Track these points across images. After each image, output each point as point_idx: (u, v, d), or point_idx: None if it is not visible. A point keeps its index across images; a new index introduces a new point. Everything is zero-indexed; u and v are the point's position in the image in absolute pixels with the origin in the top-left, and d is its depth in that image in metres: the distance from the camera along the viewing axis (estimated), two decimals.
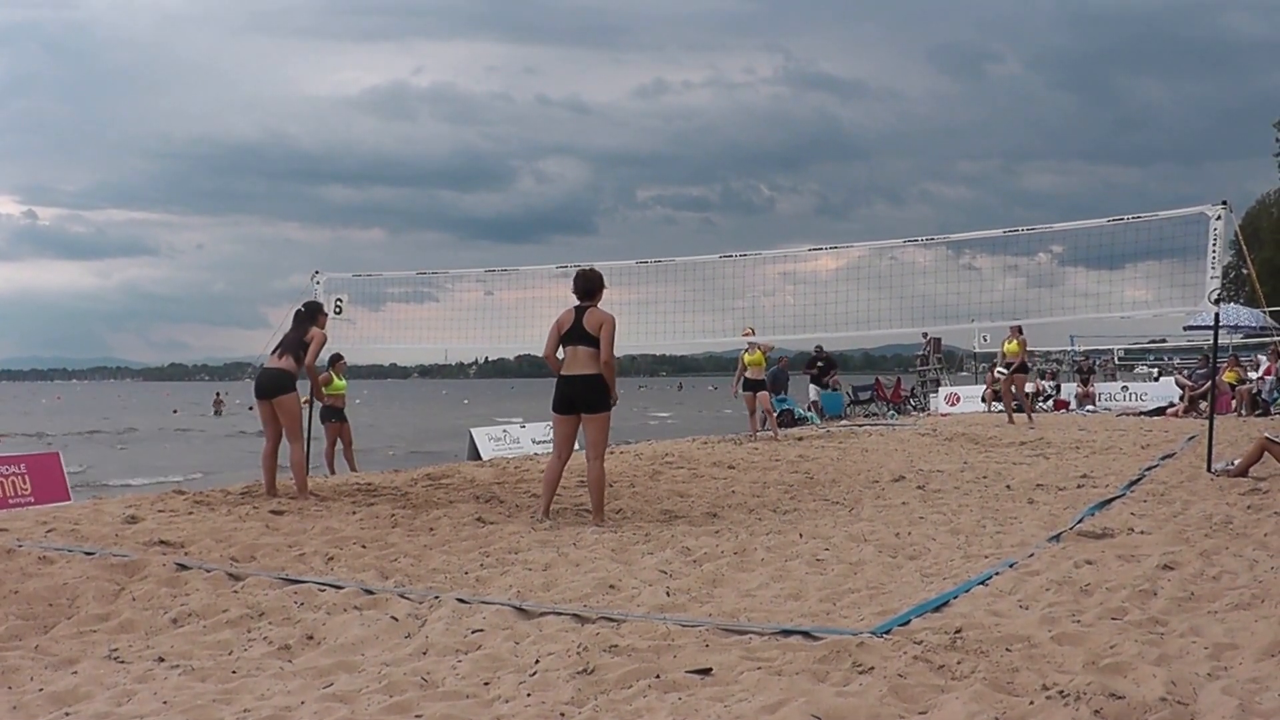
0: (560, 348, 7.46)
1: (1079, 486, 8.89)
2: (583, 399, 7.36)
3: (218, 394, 55.67)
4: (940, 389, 26.55)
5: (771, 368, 18.49)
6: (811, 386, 23.99)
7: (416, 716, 3.36)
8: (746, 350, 15.58)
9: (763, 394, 16.10)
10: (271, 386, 8.48)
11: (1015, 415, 18.07)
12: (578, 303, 7.48)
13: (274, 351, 8.63)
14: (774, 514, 7.69)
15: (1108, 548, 5.87)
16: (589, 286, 7.46)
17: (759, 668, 3.70)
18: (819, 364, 23.97)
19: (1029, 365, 18.49)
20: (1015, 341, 17.86)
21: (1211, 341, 11.04)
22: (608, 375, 7.35)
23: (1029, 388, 24.34)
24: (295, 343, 8.56)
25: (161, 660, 4.03)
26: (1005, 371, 18.41)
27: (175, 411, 53.37)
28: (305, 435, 8.89)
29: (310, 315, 8.79)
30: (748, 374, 15.78)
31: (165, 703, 3.50)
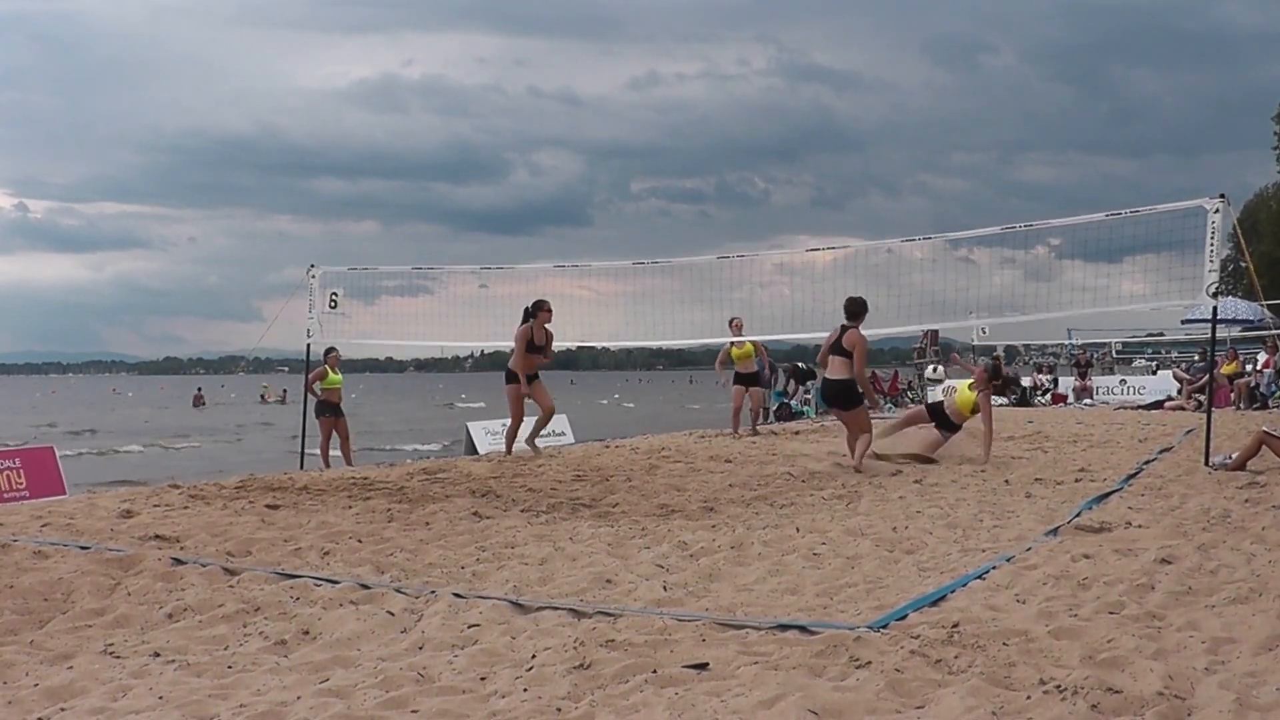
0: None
1: (1076, 480, 8.88)
2: (835, 398, 10.05)
3: (198, 389, 56.28)
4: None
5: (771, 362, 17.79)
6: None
7: (413, 712, 3.35)
8: (734, 345, 14.15)
9: (755, 390, 14.71)
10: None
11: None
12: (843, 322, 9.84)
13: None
14: (771, 508, 7.67)
15: (1105, 542, 5.87)
16: (854, 309, 9.88)
17: (756, 662, 3.69)
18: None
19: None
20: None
21: (1210, 335, 11.01)
22: (861, 383, 9.94)
23: (1025, 381, 24.27)
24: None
25: (157, 655, 4.02)
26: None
27: (201, 405, 52.66)
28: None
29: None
30: (738, 368, 14.55)
31: (161, 698, 3.49)
